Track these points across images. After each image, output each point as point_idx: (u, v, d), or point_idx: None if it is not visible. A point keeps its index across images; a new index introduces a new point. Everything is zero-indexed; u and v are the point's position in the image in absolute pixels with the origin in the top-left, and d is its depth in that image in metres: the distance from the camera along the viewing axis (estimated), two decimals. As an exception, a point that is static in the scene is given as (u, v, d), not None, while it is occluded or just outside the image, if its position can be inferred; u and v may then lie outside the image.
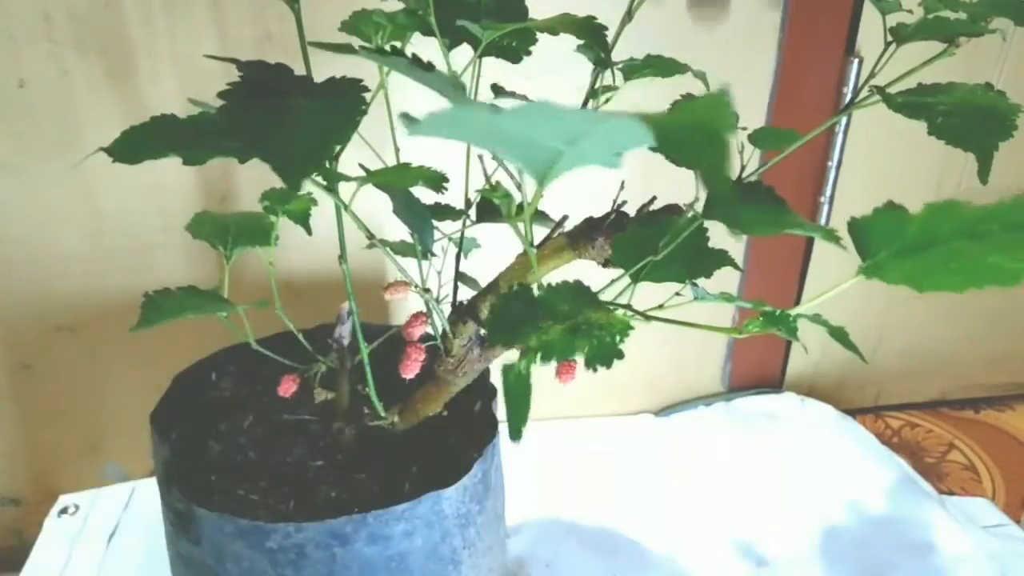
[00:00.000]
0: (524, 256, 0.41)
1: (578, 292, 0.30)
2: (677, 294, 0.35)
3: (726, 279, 0.88)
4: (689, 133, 0.16)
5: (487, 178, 0.41)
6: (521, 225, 0.31)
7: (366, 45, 0.36)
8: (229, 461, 0.48)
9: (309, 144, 0.27)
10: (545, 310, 0.28)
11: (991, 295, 0.98)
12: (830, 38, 0.79)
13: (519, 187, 0.38)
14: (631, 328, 0.28)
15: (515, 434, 0.28)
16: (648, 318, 0.30)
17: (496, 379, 0.51)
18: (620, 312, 0.30)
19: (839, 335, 0.29)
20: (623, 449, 0.83)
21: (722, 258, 0.36)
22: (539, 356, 0.27)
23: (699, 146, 0.16)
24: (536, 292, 0.30)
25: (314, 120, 0.28)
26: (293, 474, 0.47)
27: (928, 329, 0.99)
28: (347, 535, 0.40)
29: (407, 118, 0.18)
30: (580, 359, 0.45)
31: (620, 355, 0.26)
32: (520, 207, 0.37)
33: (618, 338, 0.27)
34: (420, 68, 0.27)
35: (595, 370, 0.27)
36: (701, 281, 0.35)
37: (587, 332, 0.27)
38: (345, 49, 0.31)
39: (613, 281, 0.36)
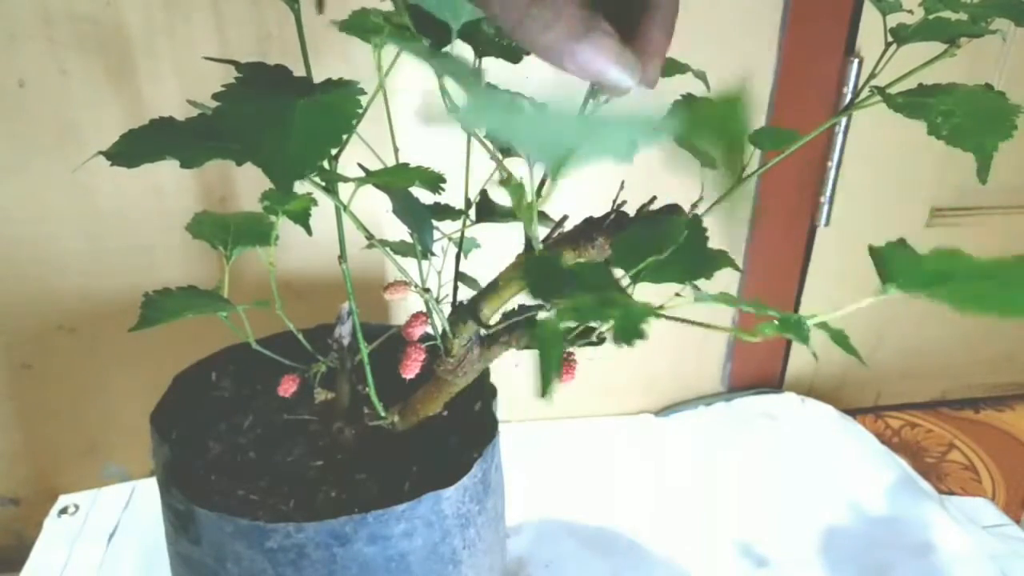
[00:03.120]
0: (525, 254, 0.41)
1: (603, 271, 0.30)
2: (677, 295, 0.35)
3: (726, 279, 0.88)
4: (709, 130, 0.17)
5: (502, 168, 0.41)
6: (532, 220, 0.32)
7: (384, 33, 0.36)
8: (229, 461, 0.48)
9: (302, 148, 0.27)
10: (576, 280, 0.29)
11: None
12: (830, 38, 0.79)
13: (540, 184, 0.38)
14: (651, 314, 0.28)
15: (546, 390, 0.28)
16: (658, 315, 0.31)
17: (497, 380, 0.51)
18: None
19: (839, 339, 0.29)
20: (623, 449, 0.83)
21: (722, 259, 0.36)
22: (574, 314, 0.27)
23: (718, 142, 0.16)
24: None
25: (308, 124, 0.28)
26: (293, 474, 0.47)
27: (928, 329, 0.99)
28: (347, 535, 0.40)
29: (427, 112, 0.19)
30: (577, 362, 0.45)
31: (644, 335, 0.27)
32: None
33: (644, 321, 0.27)
34: (438, 54, 0.27)
35: (620, 345, 0.27)
36: (700, 282, 0.35)
37: (616, 307, 0.27)
38: (366, 30, 0.31)
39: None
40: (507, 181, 0.27)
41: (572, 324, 0.28)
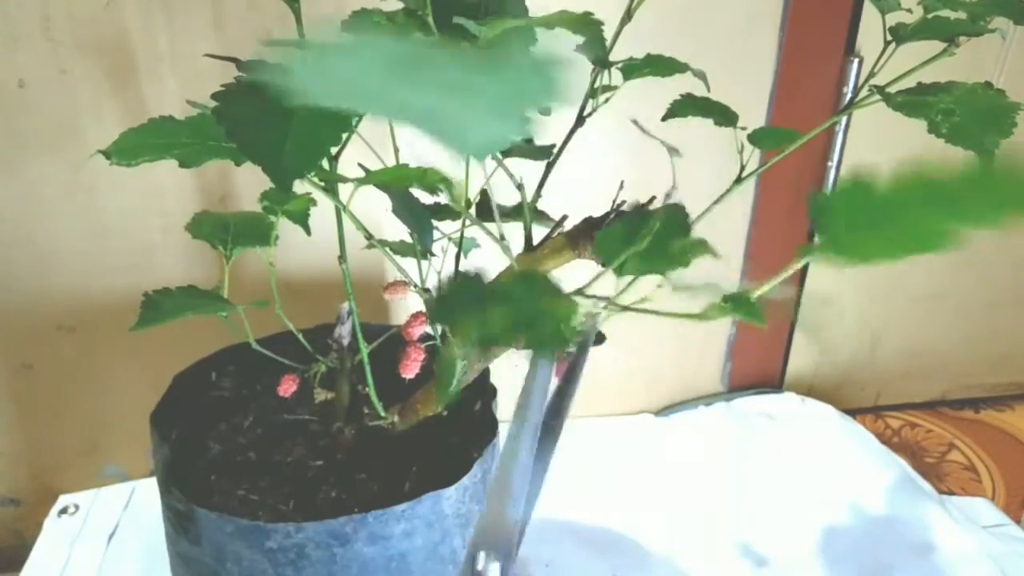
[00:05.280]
0: (524, 256, 0.41)
1: (537, 282, 0.30)
2: (659, 286, 0.35)
3: (726, 276, 0.88)
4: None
5: (505, 168, 0.41)
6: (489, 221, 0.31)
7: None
8: (229, 461, 0.48)
9: (301, 148, 0.27)
10: (495, 298, 0.28)
11: (991, 295, 0.98)
12: (830, 38, 0.79)
13: (520, 188, 0.38)
14: (574, 314, 0.28)
15: (441, 405, 0.28)
16: (623, 308, 0.30)
17: (497, 380, 0.51)
18: (590, 301, 0.30)
19: (749, 311, 0.28)
20: (623, 449, 0.83)
21: (699, 247, 0.36)
22: (477, 340, 0.27)
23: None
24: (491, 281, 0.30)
25: (308, 123, 0.28)
26: (293, 474, 0.47)
27: (928, 329, 0.99)
28: (347, 535, 0.40)
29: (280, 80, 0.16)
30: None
31: (563, 341, 0.26)
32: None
33: (560, 325, 0.27)
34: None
35: (542, 355, 0.27)
36: (695, 277, 0.35)
37: (531, 319, 0.27)
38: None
39: (598, 275, 0.36)
40: (427, 174, 0.27)
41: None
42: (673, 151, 0.36)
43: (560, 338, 0.26)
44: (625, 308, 0.30)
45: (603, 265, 0.37)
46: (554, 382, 0.37)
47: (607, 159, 0.72)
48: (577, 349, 0.34)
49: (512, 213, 0.45)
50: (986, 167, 0.21)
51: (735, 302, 0.28)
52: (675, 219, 0.34)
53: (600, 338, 0.38)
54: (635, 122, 0.38)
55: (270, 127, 0.28)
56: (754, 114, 0.80)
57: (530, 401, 0.31)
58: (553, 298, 0.28)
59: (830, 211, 0.24)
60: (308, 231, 0.45)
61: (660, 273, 0.33)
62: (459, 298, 0.28)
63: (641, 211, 0.35)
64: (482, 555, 0.30)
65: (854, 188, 0.24)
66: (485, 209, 0.46)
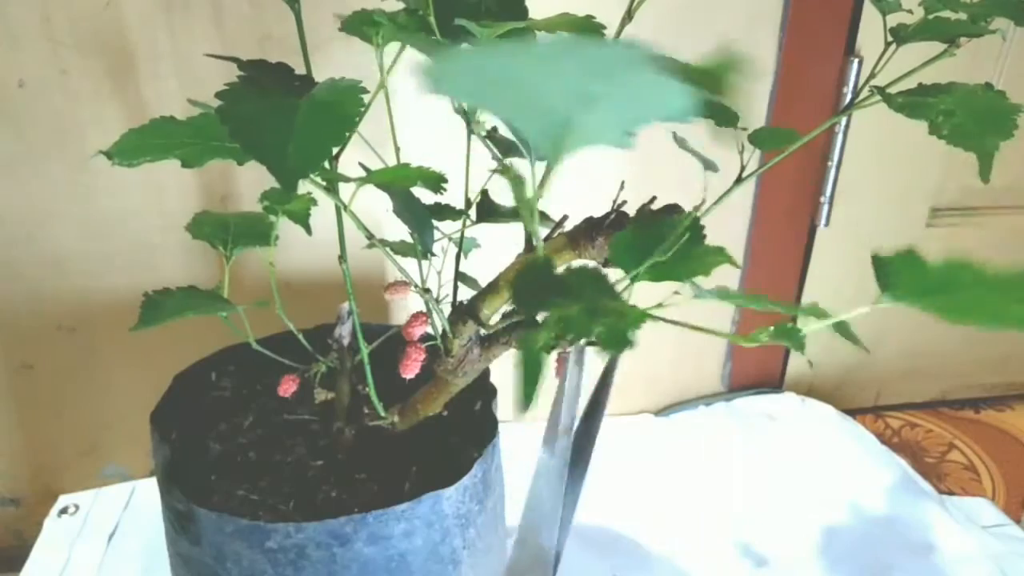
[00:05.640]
0: (524, 256, 0.41)
1: (595, 278, 0.30)
2: (676, 293, 0.35)
3: (724, 280, 0.88)
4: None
5: (499, 160, 0.41)
6: (532, 214, 0.31)
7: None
8: (229, 461, 0.48)
9: (305, 147, 0.27)
10: (566, 288, 0.29)
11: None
12: (830, 38, 0.79)
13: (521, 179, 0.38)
14: (645, 319, 0.28)
15: (526, 406, 0.28)
16: (650, 318, 0.30)
17: (497, 380, 0.51)
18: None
19: (843, 330, 0.29)
20: (623, 449, 0.83)
21: (719, 255, 0.36)
22: (559, 332, 0.27)
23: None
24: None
25: (310, 122, 0.28)
26: (293, 474, 0.47)
27: (928, 329, 0.99)
28: (347, 535, 0.40)
29: (423, 72, 0.17)
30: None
31: (631, 344, 0.27)
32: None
33: (632, 328, 0.27)
34: (442, 46, 0.26)
35: (608, 354, 0.27)
36: (699, 279, 0.35)
37: (605, 316, 0.27)
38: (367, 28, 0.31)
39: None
40: (506, 171, 0.27)
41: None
42: (710, 165, 0.36)
43: (629, 341, 0.26)
44: (655, 318, 0.30)
45: (604, 266, 0.37)
46: (557, 379, 0.37)
47: (607, 159, 0.72)
48: (601, 377, 0.35)
49: (512, 213, 0.46)
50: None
51: (781, 332, 0.28)
52: (691, 227, 0.34)
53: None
54: (675, 134, 0.39)
55: (274, 126, 0.28)
56: (754, 114, 0.80)
57: (557, 431, 0.31)
58: (614, 298, 0.28)
59: (888, 269, 0.26)
60: (309, 231, 0.45)
61: (678, 281, 0.33)
62: (537, 284, 0.28)
63: (653, 216, 0.35)
64: None
65: (908, 259, 0.26)
66: (486, 209, 0.46)
